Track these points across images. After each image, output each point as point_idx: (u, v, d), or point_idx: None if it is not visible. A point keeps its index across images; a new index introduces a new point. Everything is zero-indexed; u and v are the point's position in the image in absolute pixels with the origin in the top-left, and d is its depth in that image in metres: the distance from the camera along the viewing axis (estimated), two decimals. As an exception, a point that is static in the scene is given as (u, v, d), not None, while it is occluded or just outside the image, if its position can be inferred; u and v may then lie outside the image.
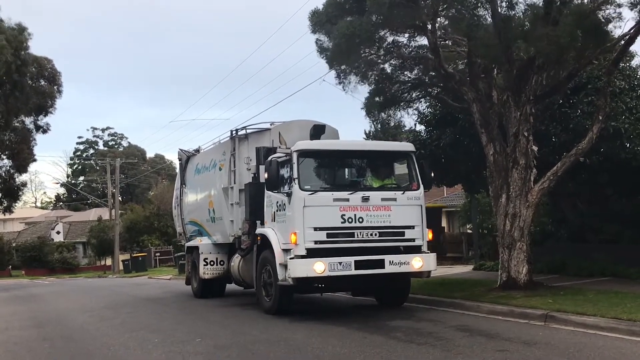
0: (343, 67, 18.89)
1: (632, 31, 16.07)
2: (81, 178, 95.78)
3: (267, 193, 15.78)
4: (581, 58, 16.69)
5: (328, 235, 14.39)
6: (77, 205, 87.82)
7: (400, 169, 15.79)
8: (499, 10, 16.56)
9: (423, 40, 18.92)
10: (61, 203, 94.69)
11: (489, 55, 16.10)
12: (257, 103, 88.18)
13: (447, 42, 19.58)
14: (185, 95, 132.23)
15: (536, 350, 10.15)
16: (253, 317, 15.41)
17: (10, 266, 66.98)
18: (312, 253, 14.32)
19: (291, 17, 55.82)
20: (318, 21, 18.91)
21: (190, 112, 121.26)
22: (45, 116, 38.06)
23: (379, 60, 18.85)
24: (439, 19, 18.15)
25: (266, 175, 14.88)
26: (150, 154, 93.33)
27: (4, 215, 45.15)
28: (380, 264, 14.56)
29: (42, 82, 37.20)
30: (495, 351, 10.20)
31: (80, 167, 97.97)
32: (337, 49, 17.83)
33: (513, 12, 16.60)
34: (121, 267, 55.53)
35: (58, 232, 74.69)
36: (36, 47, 35.65)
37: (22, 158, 38.45)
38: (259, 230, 15.96)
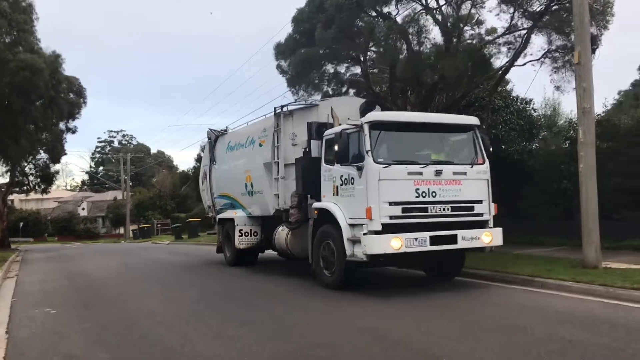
0: (297, 87, 20.70)
1: (507, 64, 18.27)
2: (101, 168, 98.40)
3: (326, 167, 11.23)
4: (471, 83, 18.26)
5: (403, 210, 10.11)
6: (98, 188, 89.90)
7: (461, 143, 11.17)
8: (412, 46, 17.86)
9: (357, 69, 20.82)
10: (85, 187, 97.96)
11: (405, 80, 17.56)
12: (238, 111, 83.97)
13: (375, 70, 20.88)
14: (181, 104, 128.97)
15: None
16: (310, 294, 11.02)
17: (46, 234, 67.66)
18: (387, 228, 10.08)
19: (261, 48, 52.45)
20: (280, 51, 20.70)
21: (185, 118, 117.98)
22: (73, 120, 39.05)
23: (324, 84, 20.39)
24: (369, 52, 19.89)
25: (336, 148, 10.39)
26: (153, 150, 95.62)
27: (42, 195, 46.41)
28: (453, 239, 10.35)
29: (71, 95, 38.02)
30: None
31: (100, 159, 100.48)
32: (294, 73, 19.90)
33: (422, 48, 18.00)
34: (131, 235, 54.50)
35: (83, 209, 76.35)
36: (67, 67, 34.80)
37: (56, 152, 39.77)
38: (317, 205, 11.35)
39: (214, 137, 17.93)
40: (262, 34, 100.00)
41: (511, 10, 19.23)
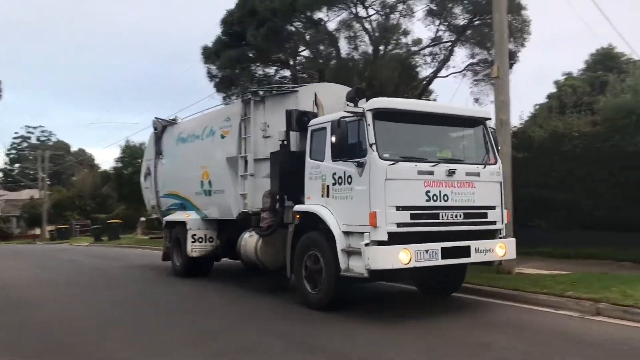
0: (225, 90, 21.93)
1: (431, 74, 19.43)
2: (16, 165, 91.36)
3: (313, 163, 9.43)
4: (397, 91, 18.70)
5: (412, 217, 8.44)
6: (13, 186, 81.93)
7: (469, 139, 9.66)
8: (342, 53, 18.69)
9: (286, 73, 21.65)
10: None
11: (333, 86, 17.84)
12: (165, 110, 79.98)
13: (304, 74, 21.46)
14: (104, 102, 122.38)
15: None
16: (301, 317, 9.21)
17: (-46, 233, 62.80)
18: (393, 238, 8.32)
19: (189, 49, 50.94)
20: (207, 54, 21.36)
21: (108, 116, 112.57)
22: (-13, 115, 35.76)
23: (253, 86, 19.58)
24: (299, 57, 20.61)
25: (333, 140, 8.46)
26: (74, 148, 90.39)
27: (-50, 191, 41.13)
28: (466, 251, 8.82)
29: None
30: None
31: (16, 156, 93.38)
32: (222, 75, 21.22)
33: (351, 54, 18.45)
34: (48, 236, 51.13)
35: (-5, 207, 70.71)
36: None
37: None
38: (300, 208, 9.56)
39: (161, 128, 15.72)
40: (192, 32, 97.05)
41: (437, 22, 20.76)
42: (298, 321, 8.65)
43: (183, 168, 14.26)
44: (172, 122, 15.56)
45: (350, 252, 8.63)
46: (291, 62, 22.92)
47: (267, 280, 12.61)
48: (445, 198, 8.72)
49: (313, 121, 9.91)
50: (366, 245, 8.26)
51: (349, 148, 8.55)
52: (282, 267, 11.06)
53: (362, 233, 8.41)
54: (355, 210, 8.60)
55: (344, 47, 20.99)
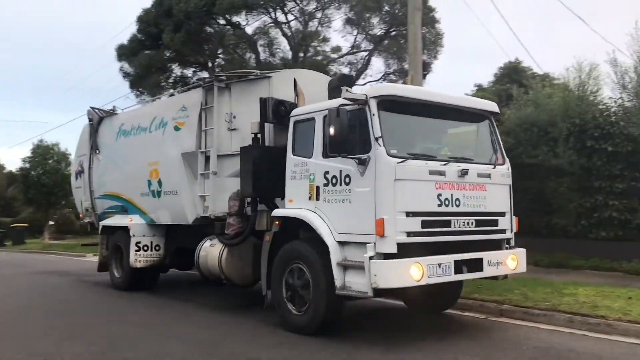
0: (141, 89, 21.40)
1: None
2: None
3: (297, 160, 8.06)
4: None
5: (423, 224, 6.98)
6: None
7: (473, 135, 8.50)
8: (261, 57, 19.09)
9: (205, 74, 21.06)
10: None
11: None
12: (76, 109, 75.10)
13: (223, 76, 20.45)
14: (12, 99, 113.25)
15: None
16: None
17: None
18: (401, 250, 7.00)
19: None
20: (122, 53, 21.38)
21: (14, 113, 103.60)
22: None
23: (169, 87, 20.58)
24: (217, 59, 20.75)
25: (332, 131, 6.94)
26: None
27: None
28: (479, 265, 7.57)
29: None
30: None
31: None
32: (138, 74, 20.73)
33: (270, 59, 18.38)
34: None
35: None
36: None
37: None
38: (283, 212, 8.11)
39: (97, 119, 13.72)
40: (107, 27, 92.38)
41: (355, 32, 21.67)
42: (276, 347, 7.14)
43: (125, 165, 12.37)
44: (111, 112, 13.61)
45: (347, 266, 7.24)
46: (209, 64, 23.52)
47: (229, 296, 10.99)
48: (457, 203, 7.50)
49: (296, 111, 8.45)
50: (371, 258, 6.86)
51: (348, 142, 7.12)
52: (252, 282, 9.57)
53: (364, 244, 7.04)
54: (354, 216, 7.22)
55: (263, 51, 22.05)
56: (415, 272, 6.87)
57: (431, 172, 7.28)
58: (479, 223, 7.72)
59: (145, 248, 11.76)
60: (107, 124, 13.46)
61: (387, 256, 6.91)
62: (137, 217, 11.97)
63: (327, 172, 7.63)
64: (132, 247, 11.63)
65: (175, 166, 10.66)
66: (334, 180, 7.53)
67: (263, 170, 8.75)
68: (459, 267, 7.35)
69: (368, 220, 7.00)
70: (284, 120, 8.91)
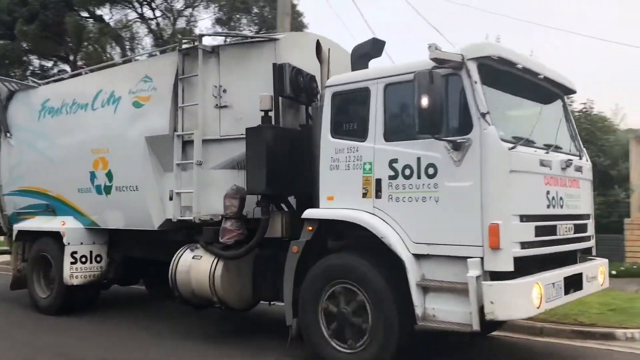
0: None
1: None
2: None
3: (341, 144, 5.85)
4: None
5: (536, 232, 5.07)
6: None
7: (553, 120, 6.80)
8: (126, 51, 18.55)
9: (66, 67, 20.90)
10: None
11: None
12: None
13: (86, 69, 19.69)
14: None
15: None
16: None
17: None
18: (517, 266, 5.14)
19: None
20: None
21: None
22: None
23: (27, 78, 17.85)
24: (80, 53, 20.08)
25: (424, 103, 4.82)
26: None
27: None
28: (579, 281, 5.88)
29: None
30: None
31: None
32: None
33: (135, 54, 16.94)
34: None
35: None
36: None
37: None
38: (323, 214, 6.03)
39: (7, 94, 10.64)
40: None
41: (225, 31, 20.93)
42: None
43: (54, 153, 9.51)
44: (28, 85, 10.59)
45: (429, 288, 5.28)
46: (71, 58, 22.58)
47: (197, 319, 8.59)
48: (561, 202, 5.78)
49: (337, 79, 6.34)
50: (477, 278, 4.95)
51: (438, 119, 5.13)
52: (251, 305, 7.33)
53: (460, 258, 5.12)
54: (443, 221, 5.30)
55: (127, 45, 21.85)
56: (535, 296, 5.05)
57: (542, 163, 5.51)
58: (576, 229, 6.06)
59: (84, 259, 9.04)
60: (21, 100, 10.45)
61: (494, 275, 5.02)
62: (72, 219, 9.20)
63: (394, 161, 5.62)
64: (67, 259, 8.88)
65: (135, 154, 8.12)
66: (406, 172, 5.54)
67: (280, 159, 6.58)
68: (567, 285, 5.62)
69: (469, 227, 5.11)
70: (300, 95, 6.81)
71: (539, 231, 5.37)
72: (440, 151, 5.31)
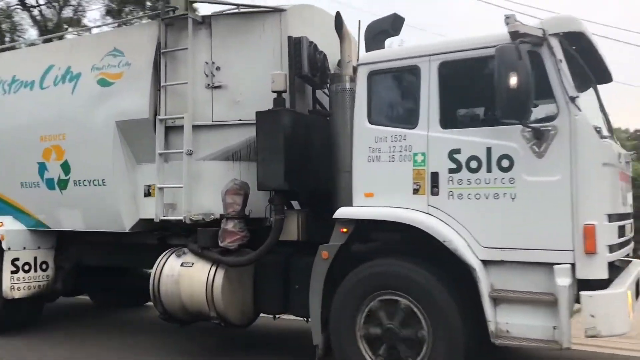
0: None
1: None
2: None
3: (385, 131, 5.11)
4: None
5: (619, 233, 4.48)
6: None
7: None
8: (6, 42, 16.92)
9: None
10: None
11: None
12: None
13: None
14: None
15: None
16: None
17: None
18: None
19: None
20: None
21: None
22: None
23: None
24: None
25: (514, 82, 4.04)
26: None
27: None
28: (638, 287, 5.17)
29: None
30: None
31: None
32: None
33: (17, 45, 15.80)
34: None
35: None
36: None
37: None
38: (365, 213, 5.01)
39: None
40: None
41: (116, 24, 19.52)
42: None
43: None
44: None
45: (500, 300, 4.53)
46: None
47: (169, 335, 7.39)
48: (624, 200, 5.21)
49: (375, 55, 5.42)
50: (568, 287, 4.26)
51: (527, 102, 4.38)
52: (252, 320, 6.31)
53: (543, 265, 4.41)
54: (522, 221, 4.55)
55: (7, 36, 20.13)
56: (629, 307, 4.43)
57: (619, 156, 4.91)
58: (631, 229, 5.53)
59: (27, 268, 7.59)
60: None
61: (584, 284, 4.36)
62: (11, 220, 7.69)
63: (455, 151, 4.80)
64: (7, 267, 7.39)
65: (101, 141, 6.80)
66: (472, 164, 4.74)
67: (298, 149, 5.61)
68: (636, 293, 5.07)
69: (556, 228, 4.40)
70: (316, 75, 5.89)
71: (620, 232, 4.76)
72: (517, 140, 4.57)
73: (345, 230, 5.22)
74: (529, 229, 4.51)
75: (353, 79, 5.87)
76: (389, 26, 6.07)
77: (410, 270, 4.86)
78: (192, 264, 6.17)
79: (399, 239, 5.16)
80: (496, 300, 4.60)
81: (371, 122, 5.23)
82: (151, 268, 6.56)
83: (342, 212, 5.25)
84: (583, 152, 4.37)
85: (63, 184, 7.15)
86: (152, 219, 6.59)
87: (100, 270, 8.37)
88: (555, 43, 4.55)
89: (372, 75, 5.28)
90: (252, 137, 6.15)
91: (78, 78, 7.09)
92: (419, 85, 5.01)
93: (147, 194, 6.72)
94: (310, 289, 5.32)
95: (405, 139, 5.03)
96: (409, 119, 5.08)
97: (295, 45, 5.82)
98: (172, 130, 6.52)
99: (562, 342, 4.30)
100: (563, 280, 4.30)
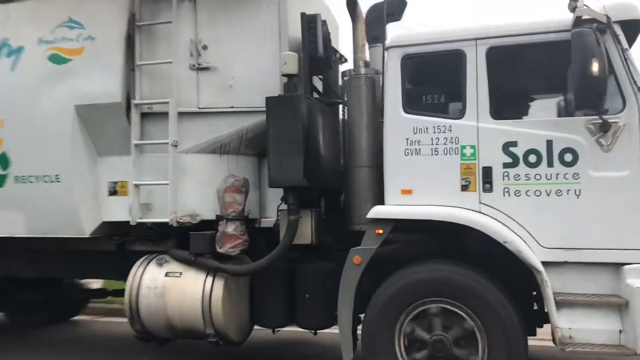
0: None
1: None
2: None
3: (427, 122, 4.62)
4: None
5: None
6: None
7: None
8: None
9: None
10: None
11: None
12: None
13: None
14: None
15: None
16: None
17: None
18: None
19: None
20: None
21: None
22: None
23: None
24: None
25: (596, 69, 3.78)
26: None
27: None
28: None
29: None
30: None
31: None
32: None
33: None
34: None
35: None
36: None
37: None
38: (408, 212, 4.47)
39: None
40: None
41: None
42: None
43: None
44: None
45: (561, 303, 4.24)
46: None
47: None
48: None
49: (410, 37, 4.87)
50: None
51: (604, 90, 4.10)
52: (247, 335, 5.58)
53: (608, 265, 4.18)
54: (588, 220, 4.27)
55: None
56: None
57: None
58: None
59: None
60: None
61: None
62: None
63: (511, 144, 4.43)
64: None
65: (55, 130, 5.67)
66: (531, 158, 4.39)
67: (317, 141, 4.98)
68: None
69: (624, 226, 4.15)
70: (330, 57, 5.31)
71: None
72: (581, 133, 4.28)
73: (381, 231, 4.65)
74: (595, 228, 4.23)
75: (368, 64, 5.34)
76: (395, 10, 5.62)
77: (456, 273, 4.41)
78: (180, 273, 5.29)
79: (422, 240, 4.76)
80: (558, 305, 4.27)
81: (407, 112, 4.70)
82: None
83: (378, 212, 4.68)
84: (650, 143, 4.16)
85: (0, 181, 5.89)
86: (117, 222, 5.63)
87: (21, 282, 7.13)
88: (619, 31, 4.30)
89: (406, 59, 4.75)
90: (246, 127, 5.47)
91: (19, 53, 5.87)
92: (465, 72, 4.57)
93: (113, 192, 5.70)
94: (341, 298, 4.69)
95: (450, 130, 4.56)
96: (454, 108, 4.62)
97: (308, 22, 5.15)
98: (147, 117, 5.58)
99: (637, 347, 4.05)
100: (635, 281, 4.05)
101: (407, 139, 4.66)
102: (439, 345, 4.43)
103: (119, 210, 5.63)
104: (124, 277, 5.59)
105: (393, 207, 4.66)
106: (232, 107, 5.46)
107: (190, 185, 5.48)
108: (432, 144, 4.60)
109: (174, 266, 5.37)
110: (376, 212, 4.68)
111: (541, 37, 4.37)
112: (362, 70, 5.25)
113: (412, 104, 4.73)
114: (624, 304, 4.11)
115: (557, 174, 4.32)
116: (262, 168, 5.75)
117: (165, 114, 5.46)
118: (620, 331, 4.16)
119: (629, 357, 4.18)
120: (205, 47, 5.52)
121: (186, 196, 5.49)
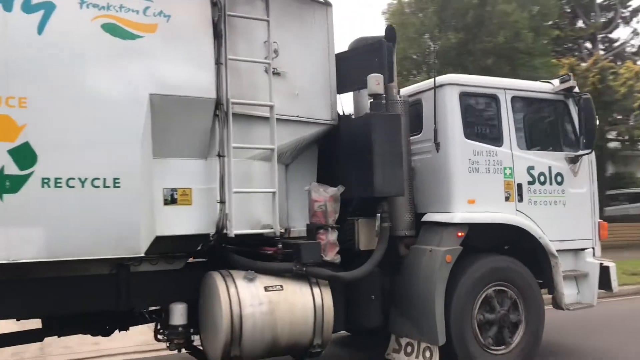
0: None
1: None
2: None
3: (480, 147, 6.20)
4: None
5: None
6: None
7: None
8: None
9: None
10: None
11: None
12: None
13: None
14: None
15: None
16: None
17: None
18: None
19: None
20: None
21: None
22: None
23: None
24: None
25: (597, 123, 6.45)
26: None
27: None
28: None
29: None
30: None
31: None
32: None
33: None
34: None
35: None
36: None
37: None
38: (481, 217, 5.97)
39: None
40: None
41: None
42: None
43: None
44: None
45: (568, 277, 6.41)
46: None
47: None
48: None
49: (464, 78, 6.12)
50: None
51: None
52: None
53: (580, 250, 6.55)
54: (569, 221, 6.49)
55: None
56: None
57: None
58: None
59: None
60: None
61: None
62: None
63: (531, 168, 6.27)
64: None
65: (118, 120, 4.50)
66: (541, 178, 6.32)
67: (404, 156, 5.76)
68: None
69: (586, 224, 6.56)
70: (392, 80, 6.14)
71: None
72: (564, 163, 6.43)
73: (461, 234, 5.72)
74: (573, 226, 6.42)
75: (399, 92, 6.20)
76: (387, 36, 6.42)
77: (506, 263, 5.95)
78: (281, 286, 5.01)
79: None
80: (564, 279, 6.25)
81: (467, 137, 5.94)
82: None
83: (459, 217, 5.73)
84: (593, 173, 6.62)
85: (12, 184, 4.17)
86: (170, 237, 4.83)
87: None
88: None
89: (463, 95, 5.99)
90: (303, 137, 5.62)
91: (48, 10, 4.34)
92: (500, 111, 6.14)
93: (171, 200, 4.82)
94: (435, 292, 5.51)
95: (496, 155, 6.05)
96: (494, 139, 6.10)
97: (384, 47, 5.68)
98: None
99: (593, 301, 6.38)
100: (591, 259, 6.41)
101: (469, 159, 5.90)
102: (505, 317, 5.80)
103: (178, 222, 4.81)
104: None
105: (469, 214, 5.80)
106: (297, 116, 5.46)
107: (257, 194, 5.20)
108: (486, 165, 5.98)
109: (266, 280, 5.00)
110: (457, 218, 5.72)
111: (543, 95, 6.34)
112: (398, 97, 6.06)
113: (468, 131, 5.97)
114: (584, 274, 6.39)
115: (554, 190, 6.34)
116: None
117: (239, 116, 5.05)
118: (577, 293, 6.40)
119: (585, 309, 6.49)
120: (276, 52, 5.34)
121: (252, 205, 5.17)
